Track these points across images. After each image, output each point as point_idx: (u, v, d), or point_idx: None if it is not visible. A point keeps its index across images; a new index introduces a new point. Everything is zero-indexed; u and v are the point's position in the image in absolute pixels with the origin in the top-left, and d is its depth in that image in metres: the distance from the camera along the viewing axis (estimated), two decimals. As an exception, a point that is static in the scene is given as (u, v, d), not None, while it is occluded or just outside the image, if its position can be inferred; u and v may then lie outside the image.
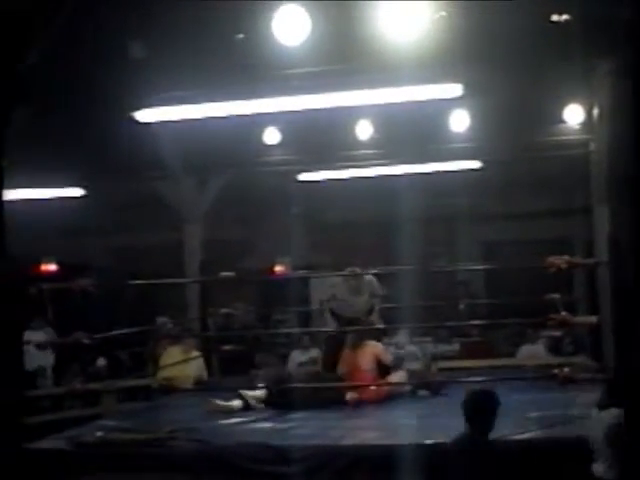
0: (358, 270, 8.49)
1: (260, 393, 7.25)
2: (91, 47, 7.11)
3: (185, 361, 9.93)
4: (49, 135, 9.77)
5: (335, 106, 7.81)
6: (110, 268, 15.34)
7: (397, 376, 7.92)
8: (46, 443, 6.13)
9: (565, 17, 7.63)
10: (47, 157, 10.57)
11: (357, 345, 7.84)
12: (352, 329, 8.05)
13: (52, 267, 14.64)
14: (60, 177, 12.32)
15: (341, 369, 7.81)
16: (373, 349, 7.90)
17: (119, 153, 10.79)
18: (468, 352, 12.43)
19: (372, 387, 7.48)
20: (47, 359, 12.10)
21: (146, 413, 7.90)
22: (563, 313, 6.48)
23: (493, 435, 5.38)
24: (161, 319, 11.55)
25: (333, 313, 8.64)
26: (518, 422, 5.91)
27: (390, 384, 7.71)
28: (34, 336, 11.25)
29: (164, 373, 10.16)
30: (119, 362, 12.82)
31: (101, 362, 12.55)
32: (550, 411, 6.22)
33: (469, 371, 10.93)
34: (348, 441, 5.84)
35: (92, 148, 10.62)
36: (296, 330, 11.37)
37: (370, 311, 8.63)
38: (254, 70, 7.20)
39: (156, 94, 7.31)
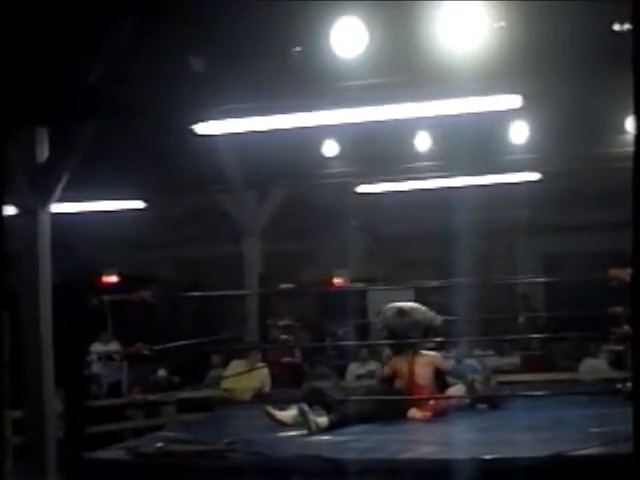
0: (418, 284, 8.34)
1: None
2: (154, 62, 7.20)
3: (248, 372, 9.99)
4: (112, 148, 9.91)
5: (393, 118, 7.77)
6: (171, 280, 15.48)
7: (456, 389, 7.84)
8: (106, 453, 6.18)
9: (627, 26, 7.54)
10: (111, 170, 10.72)
11: (414, 355, 7.76)
12: (410, 341, 7.97)
13: (113, 279, 14.81)
14: (123, 190, 12.47)
15: (399, 382, 7.73)
16: (431, 359, 7.81)
17: (181, 166, 10.90)
18: (528, 365, 12.32)
19: (431, 401, 7.38)
20: (122, 372, 12.27)
21: (206, 424, 7.92)
22: (626, 327, 6.36)
23: (552, 450, 5.33)
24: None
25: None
26: (579, 437, 5.81)
27: (449, 397, 7.63)
28: (102, 349, 11.42)
29: (226, 384, 10.24)
30: (181, 373, 12.91)
31: (162, 373, 12.66)
32: (612, 427, 6.10)
33: (529, 385, 10.85)
34: (406, 455, 5.79)
35: (154, 161, 10.74)
36: (353, 343, 11.32)
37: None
38: (312, 83, 7.22)
39: (216, 107, 7.36)
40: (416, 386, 7.55)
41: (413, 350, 7.80)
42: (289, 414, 7.09)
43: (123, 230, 14.30)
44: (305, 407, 6.76)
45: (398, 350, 7.91)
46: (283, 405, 7.55)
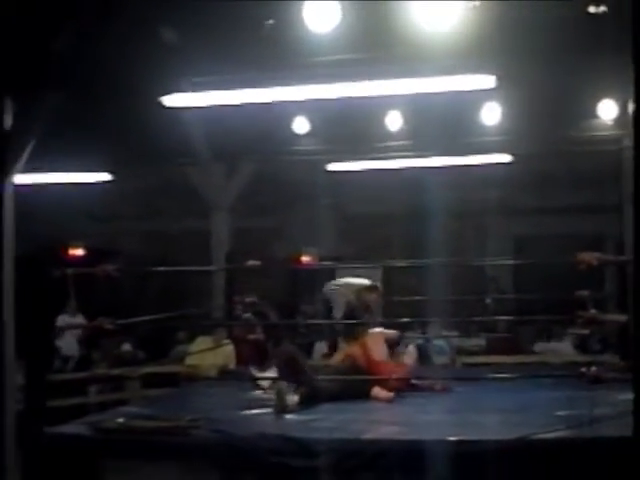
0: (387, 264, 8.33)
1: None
2: (121, 32, 7.06)
3: (212, 349, 9.94)
4: (79, 120, 9.75)
5: (365, 96, 7.70)
6: (137, 254, 15.34)
7: (410, 353, 7.89)
8: (66, 428, 6.10)
9: (602, 9, 7.49)
10: (77, 142, 10.57)
11: (363, 333, 7.75)
12: (371, 321, 7.95)
13: (79, 252, 14.65)
14: (90, 162, 12.32)
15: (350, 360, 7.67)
16: (379, 335, 7.79)
17: (148, 138, 10.77)
18: (494, 347, 12.33)
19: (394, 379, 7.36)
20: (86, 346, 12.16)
21: (170, 400, 7.86)
22: (592, 311, 6.36)
23: (518, 433, 5.31)
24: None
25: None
26: (546, 420, 5.81)
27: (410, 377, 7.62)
28: (69, 321, 11.28)
29: (191, 361, 10.18)
30: (146, 348, 12.82)
31: (127, 347, 12.56)
32: (577, 410, 6.10)
33: (495, 367, 10.87)
34: (369, 435, 5.76)
35: (121, 133, 10.60)
36: (318, 322, 11.26)
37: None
38: (284, 57, 7.13)
39: (185, 79, 7.25)
40: (374, 363, 7.53)
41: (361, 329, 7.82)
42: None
43: (90, 203, 14.16)
44: (283, 385, 6.72)
45: (351, 330, 7.92)
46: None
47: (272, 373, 7.47)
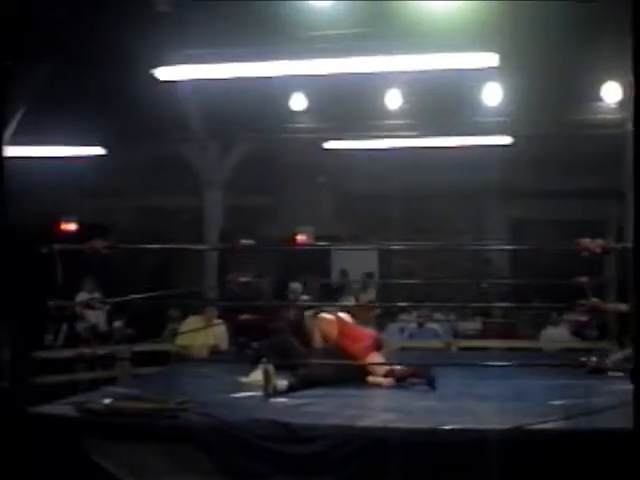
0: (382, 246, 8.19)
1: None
2: (114, 1, 6.89)
3: (204, 329, 9.81)
4: (71, 92, 9.57)
5: (365, 72, 7.52)
6: (130, 230, 15.16)
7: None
8: (51, 408, 5.96)
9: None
10: (69, 115, 10.38)
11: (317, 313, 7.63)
12: (374, 305, 7.80)
13: (72, 227, 14.46)
14: (83, 136, 12.15)
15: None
16: (335, 317, 7.65)
17: (142, 112, 10.60)
18: (490, 332, 12.23)
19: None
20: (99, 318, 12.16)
21: (159, 380, 7.74)
22: (594, 299, 6.20)
23: (513, 423, 5.18)
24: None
25: None
26: (541, 410, 5.68)
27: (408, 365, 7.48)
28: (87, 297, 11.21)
29: (181, 341, 10.05)
30: (138, 326, 12.70)
31: (118, 324, 12.43)
32: (574, 400, 5.97)
33: (490, 352, 10.77)
34: (362, 422, 5.62)
35: (115, 106, 10.41)
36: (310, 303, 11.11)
37: None
38: (282, 31, 6.96)
39: (180, 51, 7.07)
40: (347, 331, 7.44)
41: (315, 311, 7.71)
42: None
43: (83, 177, 13.96)
44: (270, 368, 6.57)
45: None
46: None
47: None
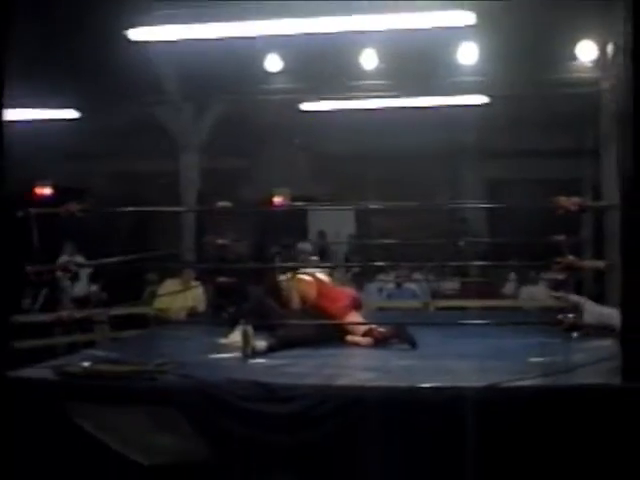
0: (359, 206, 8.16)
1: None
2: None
3: (182, 291, 9.81)
4: (43, 54, 9.45)
5: (340, 31, 7.46)
6: (106, 193, 15.07)
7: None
8: (30, 372, 5.94)
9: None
10: (41, 77, 10.25)
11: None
12: (353, 265, 7.80)
13: (47, 191, 14.36)
14: (55, 98, 12.01)
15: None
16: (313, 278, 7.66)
17: (116, 74, 10.49)
18: (469, 291, 12.28)
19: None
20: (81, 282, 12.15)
21: (137, 343, 7.72)
22: (570, 257, 6.22)
23: (491, 380, 5.21)
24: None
25: None
26: (520, 367, 5.71)
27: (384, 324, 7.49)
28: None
29: (159, 304, 10.04)
30: (116, 290, 12.68)
31: (93, 288, 12.41)
32: (552, 357, 6.01)
33: (468, 311, 10.82)
34: (340, 381, 5.64)
35: (87, 68, 10.28)
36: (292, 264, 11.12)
37: None
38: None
39: (153, 11, 6.99)
40: (325, 291, 7.45)
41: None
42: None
43: (57, 141, 13.82)
44: (249, 330, 6.58)
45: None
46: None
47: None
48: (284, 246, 11.35)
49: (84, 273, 12.17)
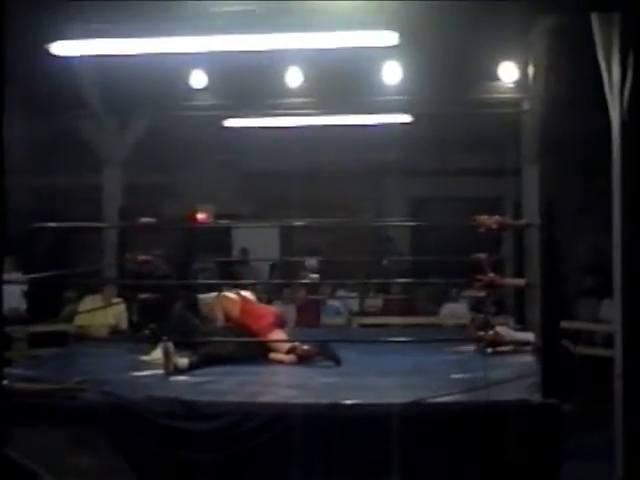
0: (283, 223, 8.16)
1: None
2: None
3: (103, 308, 9.68)
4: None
5: (265, 49, 7.46)
6: (24, 209, 14.79)
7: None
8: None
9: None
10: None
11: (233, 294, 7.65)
12: (285, 282, 7.79)
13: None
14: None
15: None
16: (239, 296, 7.66)
17: (36, 87, 10.32)
18: (391, 309, 12.33)
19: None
20: (17, 300, 11.84)
21: (58, 361, 7.59)
22: (491, 274, 6.32)
23: (414, 397, 5.25)
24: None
25: None
26: (441, 384, 5.77)
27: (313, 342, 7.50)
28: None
29: (80, 321, 9.88)
30: (34, 306, 12.42)
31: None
32: (472, 373, 6.08)
33: (391, 328, 10.87)
34: (262, 398, 5.63)
35: (7, 80, 10.09)
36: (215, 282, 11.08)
37: None
38: (181, 6, 6.84)
39: (75, 26, 6.89)
40: (248, 309, 7.44)
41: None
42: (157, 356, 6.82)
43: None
44: (170, 347, 6.52)
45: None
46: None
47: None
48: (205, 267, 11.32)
49: (17, 290, 11.86)
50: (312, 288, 11.85)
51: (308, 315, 11.35)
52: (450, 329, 10.55)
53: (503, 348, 6.78)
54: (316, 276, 11.27)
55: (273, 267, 13.93)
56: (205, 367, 6.61)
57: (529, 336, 7.07)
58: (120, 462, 5.30)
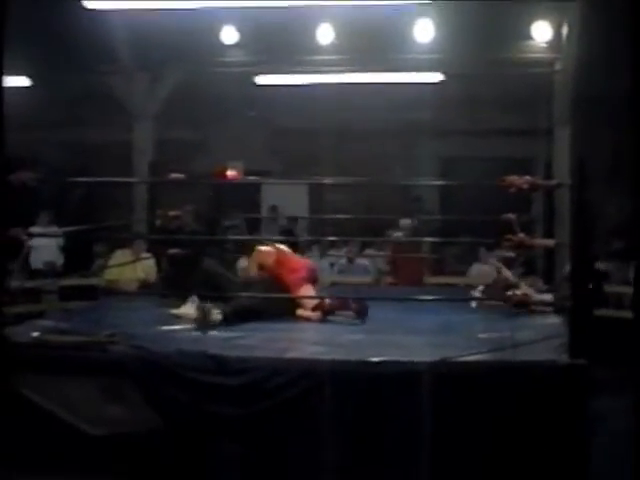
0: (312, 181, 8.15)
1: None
2: None
3: (132, 262, 9.74)
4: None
5: (297, 5, 7.43)
6: (57, 164, 14.88)
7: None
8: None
9: None
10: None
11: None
12: (301, 239, 7.80)
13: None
14: (6, 65, 11.80)
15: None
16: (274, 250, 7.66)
17: (69, 42, 10.34)
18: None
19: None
20: (54, 254, 11.96)
21: (87, 314, 7.65)
22: (521, 235, 6.29)
23: (440, 355, 5.26)
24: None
25: None
26: (468, 343, 5.77)
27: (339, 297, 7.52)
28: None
29: (109, 275, 9.97)
30: (66, 260, 12.52)
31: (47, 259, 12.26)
32: (500, 333, 6.08)
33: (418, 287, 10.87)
34: (290, 354, 5.66)
35: (41, 35, 10.12)
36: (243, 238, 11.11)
37: None
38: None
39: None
40: (284, 261, 7.45)
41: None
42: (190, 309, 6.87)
43: (6, 108, 13.59)
44: (208, 305, 6.57)
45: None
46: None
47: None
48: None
49: (53, 243, 11.97)
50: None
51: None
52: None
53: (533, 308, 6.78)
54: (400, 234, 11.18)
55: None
56: (237, 321, 6.64)
57: (549, 297, 7.07)
58: (148, 413, 5.36)
